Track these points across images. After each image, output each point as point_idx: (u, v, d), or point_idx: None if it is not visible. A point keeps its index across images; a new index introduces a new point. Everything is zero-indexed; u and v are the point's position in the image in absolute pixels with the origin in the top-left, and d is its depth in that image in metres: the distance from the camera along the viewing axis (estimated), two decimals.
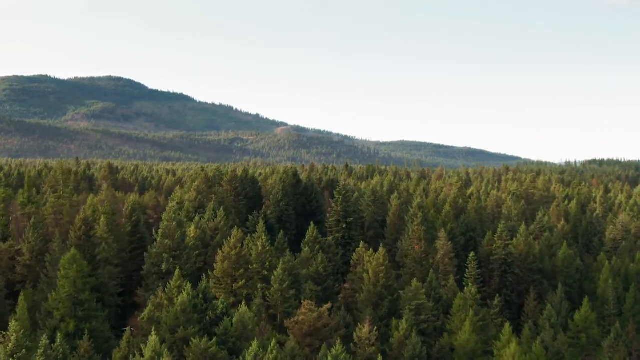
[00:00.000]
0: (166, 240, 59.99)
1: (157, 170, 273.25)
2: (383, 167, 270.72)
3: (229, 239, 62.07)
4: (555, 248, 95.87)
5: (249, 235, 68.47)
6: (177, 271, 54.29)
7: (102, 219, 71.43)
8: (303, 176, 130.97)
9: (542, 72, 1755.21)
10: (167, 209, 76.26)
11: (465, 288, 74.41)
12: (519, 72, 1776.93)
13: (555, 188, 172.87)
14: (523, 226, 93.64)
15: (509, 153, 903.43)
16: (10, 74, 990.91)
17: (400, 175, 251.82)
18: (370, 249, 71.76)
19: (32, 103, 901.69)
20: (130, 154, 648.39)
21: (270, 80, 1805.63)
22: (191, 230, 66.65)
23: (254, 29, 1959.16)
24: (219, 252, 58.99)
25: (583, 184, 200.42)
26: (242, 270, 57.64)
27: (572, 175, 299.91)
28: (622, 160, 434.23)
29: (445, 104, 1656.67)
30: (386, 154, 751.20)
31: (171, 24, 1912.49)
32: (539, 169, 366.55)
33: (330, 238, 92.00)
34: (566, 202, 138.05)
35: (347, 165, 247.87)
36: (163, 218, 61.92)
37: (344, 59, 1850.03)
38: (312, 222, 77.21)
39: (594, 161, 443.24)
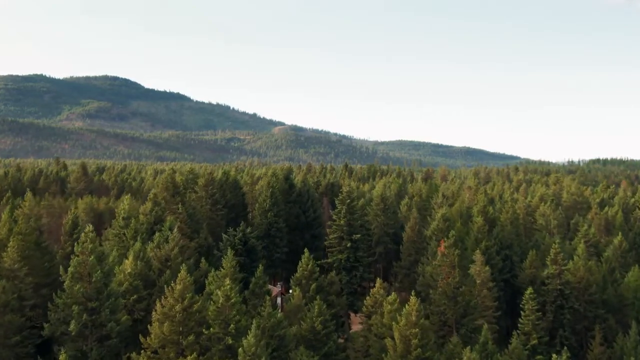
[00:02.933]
0: (77, 285, 38.97)
1: (147, 171, 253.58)
2: (385, 167, 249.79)
3: (172, 285, 39.18)
4: (617, 272, 75.03)
5: (212, 270, 47.30)
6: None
7: (11, 242, 50.61)
8: (298, 179, 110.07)
9: (541, 72, 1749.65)
10: (109, 229, 55.44)
11: (518, 338, 53.59)
12: (517, 72, 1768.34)
13: (584, 191, 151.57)
14: (582, 245, 72.55)
15: (508, 152, 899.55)
16: (4, 73, 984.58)
17: (404, 175, 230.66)
18: (392, 294, 49.57)
19: (26, 102, 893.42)
20: (124, 153, 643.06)
21: (267, 80, 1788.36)
22: (126, 265, 45.43)
23: (251, 28, 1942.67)
24: (157, 304, 37.71)
25: (612, 186, 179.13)
26: (192, 337, 36.02)
27: (584, 175, 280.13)
28: (627, 160, 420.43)
29: (444, 103, 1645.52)
30: (384, 154, 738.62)
31: (168, 24, 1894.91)
32: (547, 169, 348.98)
33: (331, 260, 71.01)
34: (606, 208, 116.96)
35: (346, 165, 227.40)
36: (75, 249, 40.52)
37: (342, 58, 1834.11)
38: (306, 250, 55.49)
39: (597, 161, 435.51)
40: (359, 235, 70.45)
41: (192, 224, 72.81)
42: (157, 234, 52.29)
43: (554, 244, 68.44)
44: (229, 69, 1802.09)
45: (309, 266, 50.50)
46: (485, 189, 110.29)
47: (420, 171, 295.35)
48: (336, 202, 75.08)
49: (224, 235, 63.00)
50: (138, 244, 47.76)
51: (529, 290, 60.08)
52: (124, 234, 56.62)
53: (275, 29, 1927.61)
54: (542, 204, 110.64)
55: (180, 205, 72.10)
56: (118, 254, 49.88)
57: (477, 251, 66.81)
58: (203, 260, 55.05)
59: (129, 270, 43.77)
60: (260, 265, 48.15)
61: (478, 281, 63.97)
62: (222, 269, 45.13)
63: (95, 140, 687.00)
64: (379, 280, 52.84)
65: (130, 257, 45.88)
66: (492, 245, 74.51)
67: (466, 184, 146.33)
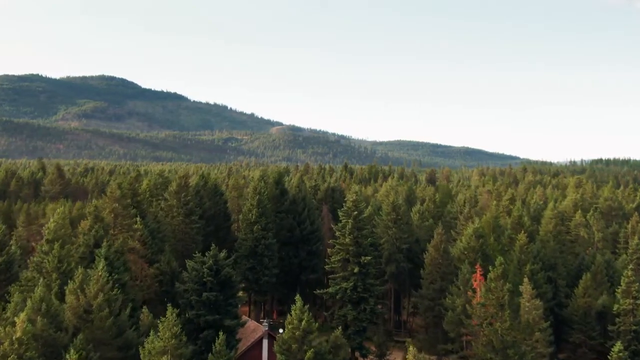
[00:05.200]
0: None
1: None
2: (386, 168, 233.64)
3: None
4: None
5: (152, 334, 30.78)
6: None
7: None
8: (293, 182, 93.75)
9: (539, 72, 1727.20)
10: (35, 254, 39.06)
11: None
12: (516, 72, 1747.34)
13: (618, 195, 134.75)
14: None
15: (507, 153, 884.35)
16: (0, 73, 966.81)
17: (408, 176, 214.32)
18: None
19: (22, 102, 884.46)
20: (120, 154, 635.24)
21: (265, 80, 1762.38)
22: (17, 324, 28.26)
23: (249, 28, 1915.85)
24: None
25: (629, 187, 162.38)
26: None
27: (593, 176, 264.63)
28: (630, 160, 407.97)
29: (443, 103, 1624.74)
30: (383, 154, 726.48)
31: (165, 23, 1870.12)
32: (556, 169, 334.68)
33: (332, 291, 54.71)
34: None
35: (346, 166, 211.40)
36: None
37: (341, 58, 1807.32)
38: (298, 297, 37.54)
39: (600, 161, 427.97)
40: (369, 258, 54.13)
41: (154, 244, 56.64)
42: (79, 269, 35.88)
43: (626, 272, 51.99)
44: (226, 69, 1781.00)
45: (303, 323, 33.72)
46: (511, 193, 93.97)
47: (421, 172, 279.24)
48: (339, 214, 58.66)
49: (187, 263, 46.75)
50: (39, 290, 31.37)
51: (618, 346, 43.65)
52: (43, 263, 40.36)
53: (272, 28, 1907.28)
54: (578, 211, 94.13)
55: (137, 219, 55.86)
56: (21, 299, 33.41)
57: (526, 280, 50.52)
58: (145, 310, 38.91)
59: (18, 335, 27.45)
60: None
61: (530, 320, 47.77)
62: (159, 337, 28.76)
63: (91, 140, 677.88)
64: (411, 346, 35.75)
65: (25, 311, 29.57)
66: (538, 269, 58.21)
67: (484, 187, 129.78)
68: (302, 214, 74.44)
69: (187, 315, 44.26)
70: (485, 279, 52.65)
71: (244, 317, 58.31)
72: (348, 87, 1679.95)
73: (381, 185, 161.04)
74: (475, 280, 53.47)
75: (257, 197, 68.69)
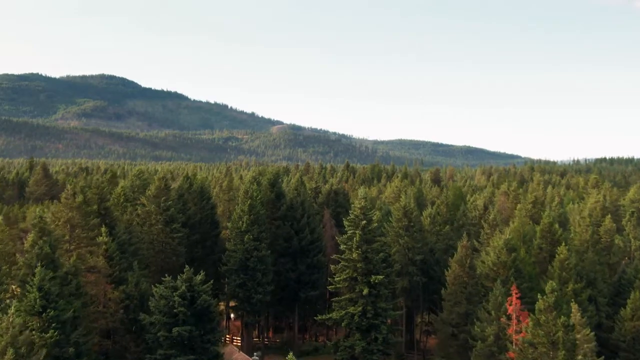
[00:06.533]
0: None
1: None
2: (389, 167, 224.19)
3: None
4: None
5: None
6: None
7: None
8: (291, 184, 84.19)
9: (541, 71, 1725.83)
10: None
11: None
12: (517, 71, 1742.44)
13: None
14: None
15: (509, 152, 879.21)
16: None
17: (412, 176, 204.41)
18: None
19: (22, 102, 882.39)
20: (119, 153, 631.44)
21: (266, 79, 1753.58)
22: None
23: (250, 27, 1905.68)
24: None
25: None
26: None
27: (601, 176, 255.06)
28: (634, 159, 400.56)
29: (444, 102, 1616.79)
30: (384, 153, 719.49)
31: (165, 23, 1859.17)
32: (563, 168, 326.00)
33: (337, 316, 45.26)
34: None
35: (348, 165, 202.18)
36: None
37: (341, 57, 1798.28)
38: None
39: (604, 160, 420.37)
40: (380, 277, 44.62)
41: (123, 260, 47.26)
42: (13, 304, 26.73)
43: None
44: (227, 68, 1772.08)
45: None
46: (534, 195, 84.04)
47: (424, 171, 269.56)
48: (345, 223, 49.05)
49: (154, 290, 37.34)
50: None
51: None
52: None
53: (273, 28, 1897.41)
54: (607, 215, 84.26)
55: (104, 230, 46.49)
56: None
57: (574, 307, 40.94)
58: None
59: None
60: None
61: (579, 358, 38.30)
62: None
63: (90, 139, 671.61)
64: None
65: None
66: (581, 287, 48.70)
67: (498, 189, 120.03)
68: (301, 220, 64.90)
69: (154, 356, 35.03)
70: (521, 301, 43.45)
71: (231, 349, 48.98)
72: (349, 86, 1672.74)
73: (385, 186, 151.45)
74: (510, 305, 44.06)
75: (249, 201, 59.22)
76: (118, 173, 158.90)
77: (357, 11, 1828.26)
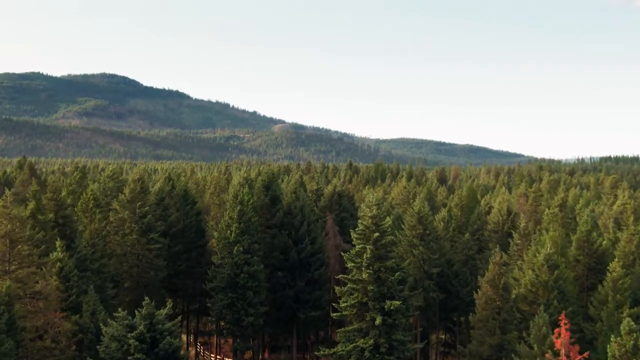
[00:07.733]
0: None
1: (128, 172, 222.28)
2: (393, 167, 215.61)
3: None
4: None
5: None
6: None
7: None
8: (290, 185, 75.38)
9: (543, 71, 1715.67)
10: None
11: None
12: (519, 71, 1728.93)
13: None
14: None
15: (512, 150, 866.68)
16: (0, 71, 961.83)
17: (417, 176, 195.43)
18: None
19: (22, 101, 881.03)
20: (120, 152, 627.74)
21: (267, 78, 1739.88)
22: None
23: (251, 26, 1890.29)
24: None
25: None
26: None
27: (610, 175, 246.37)
28: (639, 157, 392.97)
29: (446, 101, 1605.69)
30: (387, 152, 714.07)
31: (167, 22, 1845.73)
32: (571, 167, 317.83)
33: (343, 351, 36.62)
34: None
35: (350, 164, 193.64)
36: None
37: (343, 57, 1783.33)
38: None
39: (609, 158, 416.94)
40: (398, 303, 35.87)
41: (81, 281, 38.75)
42: None
43: None
44: (228, 67, 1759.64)
45: None
46: (561, 197, 75.00)
47: (428, 170, 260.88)
48: (353, 236, 40.20)
49: (104, 329, 28.74)
50: None
51: None
52: None
53: (275, 27, 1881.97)
54: (637, 220, 75.22)
55: (58, 244, 38.11)
56: None
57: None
58: None
59: None
60: None
61: None
62: None
63: (91, 138, 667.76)
64: None
65: None
66: (636, 311, 39.99)
67: (518, 188, 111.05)
68: (300, 228, 56.14)
69: None
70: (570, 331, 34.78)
71: None
72: (351, 85, 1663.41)
73: (390, 186, 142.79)
74: (558, 337, 35.36)
75: (239, 207, 50.60)
76: (113, 173, 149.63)
77: (357, 11, 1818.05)
